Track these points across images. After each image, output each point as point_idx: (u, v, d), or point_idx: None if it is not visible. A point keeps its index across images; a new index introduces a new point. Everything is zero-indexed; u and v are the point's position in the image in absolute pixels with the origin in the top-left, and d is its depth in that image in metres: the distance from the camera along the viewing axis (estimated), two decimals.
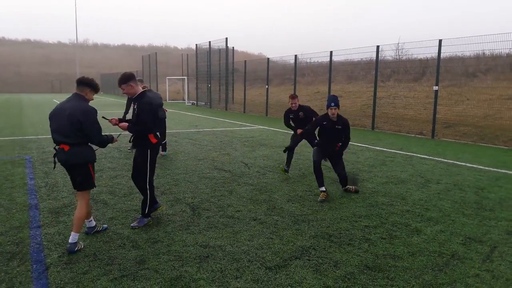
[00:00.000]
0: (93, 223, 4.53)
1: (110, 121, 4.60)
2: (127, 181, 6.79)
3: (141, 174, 4.76)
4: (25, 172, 7.44)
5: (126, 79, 4.60)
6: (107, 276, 3.55)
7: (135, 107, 4.64)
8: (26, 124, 15.56)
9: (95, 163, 4.34)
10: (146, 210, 4.83)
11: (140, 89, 4.70)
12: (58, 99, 40.86)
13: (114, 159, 8.71)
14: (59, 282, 3.44)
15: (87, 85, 4.24)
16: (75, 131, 4.02)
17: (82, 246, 4.14)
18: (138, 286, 3.40)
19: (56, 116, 4.10)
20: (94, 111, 4.13)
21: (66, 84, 67.75)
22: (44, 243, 4.25)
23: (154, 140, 4.73)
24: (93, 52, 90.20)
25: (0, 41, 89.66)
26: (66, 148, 4.06)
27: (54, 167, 4.39)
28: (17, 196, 5.88)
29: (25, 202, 5.63)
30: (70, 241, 4.06)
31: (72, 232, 4.08)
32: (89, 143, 4.21)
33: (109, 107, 27.62)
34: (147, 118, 4.56)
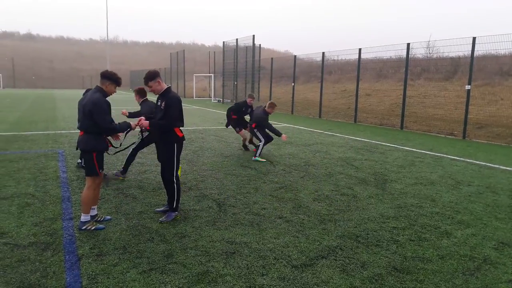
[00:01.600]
0: (94, 212, 4.76)
1: (133, 126, 4.78)
2: (155, 176, 6.91)
3: (168, 169, 4.88)
4: (58, 165, 7.69)
5: (154, 76, 4.78)
6: (136, 269, 3.63)
7: (162, 103, 4.77)
8: (59, 119, 16.05)
9: (103, 154, 4.58)
10: (174, 205, 4.92)
11: (165, 85, 4.87)
12: None
13: (143, 154, 8.88)
14: (91, 273, 3.55)
15: (107, 78, 4.54)
16: (86, 119, 4.40)
17: (92, 228, 4.49)
18: (167, 279, 3.46)
19: (79, 105, 4.56)
20: (103, 102, 4.42)
21: (97, 80, 69.14)
22: (76, 234, 4.38)
23: (180, 134, 4.92)
24: (123, 48, 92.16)
25: (35, 38, 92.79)
26: (80, 133, 4.53)
27: (77, 149, 4.69)
28: (50, 189, 6.08)
29: (58, 194, 5.82)
30: (80, 219, 4.56)
31: (82, 213, 4.57)
32: (104, 134, 4.54)
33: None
34: (175, 113, 4.77)
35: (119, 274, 3.53)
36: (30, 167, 7.43)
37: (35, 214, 4.97)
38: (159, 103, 4.86)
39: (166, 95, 4.80)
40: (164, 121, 4.78)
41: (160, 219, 4.85)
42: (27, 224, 4.62)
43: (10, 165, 7.62)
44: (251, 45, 27.19)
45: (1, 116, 9.86)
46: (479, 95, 15.32)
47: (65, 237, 4.30)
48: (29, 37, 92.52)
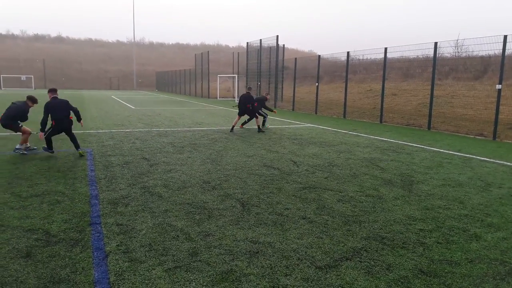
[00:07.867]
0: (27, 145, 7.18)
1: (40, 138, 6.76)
2: (180, 175, 7.01)
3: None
4: (86, 164, 7.90)
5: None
6: (162, 266, 3.69)
7: None
8: (87, 119, 16.46)
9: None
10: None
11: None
12: (116, 95, 42.85)
13: (168, 154, 9.01)
14: (118, 269, 3.63)
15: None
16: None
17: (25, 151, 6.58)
18: (191, 277, 3.50)
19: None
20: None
21: (124, 81, 70.91)
22: (104, 232, 4.49)
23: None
24: (149, 50, 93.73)
25: (65, 40, 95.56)
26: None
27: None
28: (79, 187, 6.25)
29: (86, 192, 5.97)
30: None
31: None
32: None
33: (162, 104, 28.58)
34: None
35: (145, 271, 3.59)
36: (59, 166, 7.66)
37: (64, 211, 5.12)
38: None
39: None
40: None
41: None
42: (57, 221, 4.76)
43: (41, 163, 7.88)
44: (275, 45, 27.16)
45: (33, 116, 10.21)
46: (511, 94, 14.81)
47: (93, 234, 4.42)
48: (59, 39, 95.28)
